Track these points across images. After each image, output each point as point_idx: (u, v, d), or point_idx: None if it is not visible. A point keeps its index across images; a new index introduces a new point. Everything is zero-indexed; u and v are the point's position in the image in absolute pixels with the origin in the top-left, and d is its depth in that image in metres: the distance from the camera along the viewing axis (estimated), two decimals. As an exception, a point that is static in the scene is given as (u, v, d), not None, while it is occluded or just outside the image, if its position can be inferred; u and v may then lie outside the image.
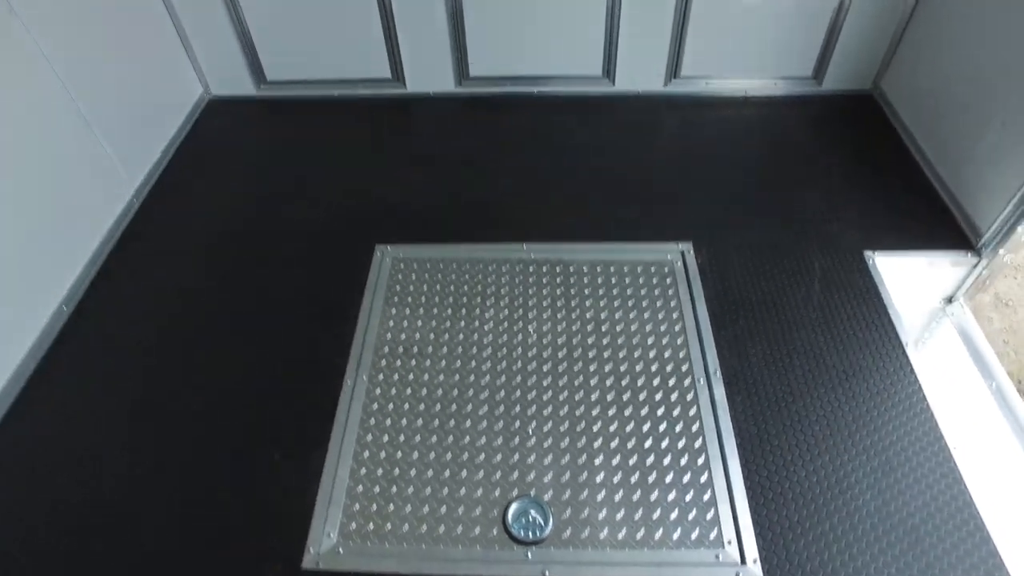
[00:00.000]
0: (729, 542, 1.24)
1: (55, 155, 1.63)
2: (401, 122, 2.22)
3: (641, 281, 1.68)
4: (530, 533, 1.25)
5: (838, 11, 2.03)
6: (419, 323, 1.58)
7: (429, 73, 2.23)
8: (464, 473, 1.33)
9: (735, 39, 2.13)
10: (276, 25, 2.13)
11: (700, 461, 1.34)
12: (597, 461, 1.34)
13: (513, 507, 1.28)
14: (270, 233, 1.83)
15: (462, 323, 1.57)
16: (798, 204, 1.87)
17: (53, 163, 1.62)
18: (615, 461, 1.34)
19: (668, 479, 1.32)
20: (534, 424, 1.40)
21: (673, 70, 2.21)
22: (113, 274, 1.75)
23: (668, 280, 1.68)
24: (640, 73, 2.22)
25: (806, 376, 1.48)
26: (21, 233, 1.52)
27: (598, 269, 1.70)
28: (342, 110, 2.28)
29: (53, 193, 1.62)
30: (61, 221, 1.65)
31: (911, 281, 1.72)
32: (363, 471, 1.33)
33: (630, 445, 1.36)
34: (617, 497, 1.30)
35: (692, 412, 1.42)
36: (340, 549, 1.24)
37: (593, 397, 1.44)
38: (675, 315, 1.59)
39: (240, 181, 2.03)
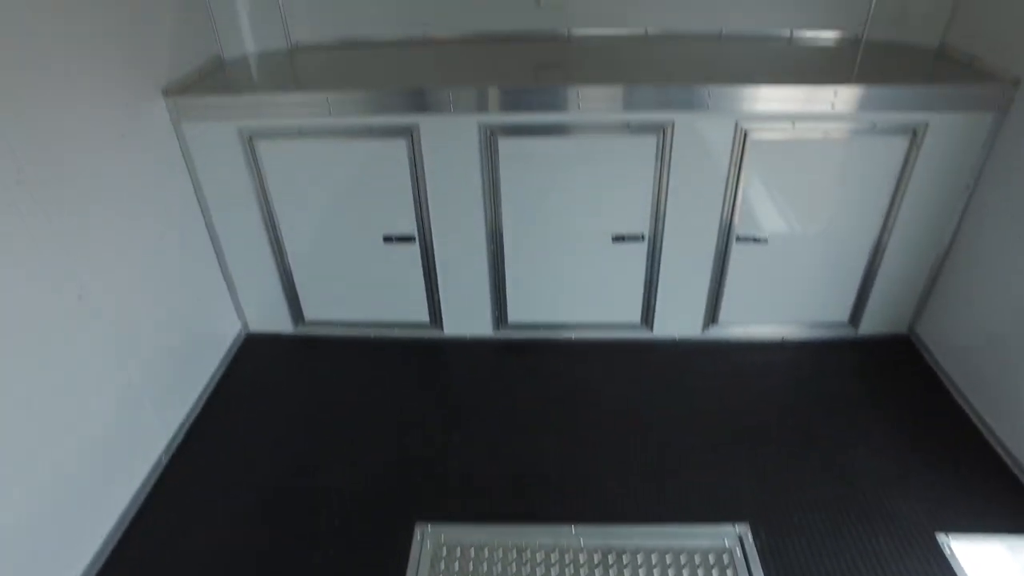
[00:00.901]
0: None
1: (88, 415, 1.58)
2: (438, 367, 2.21)
3: (700, 574, 1.55)
4: None
5: (872, 257, 2.07)
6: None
7: (467, 319, 2.25)
8: None
9: (772, 286, 2.16)
10: (318, 267, 2.19)
11: None
12: None
13: None
14: (303, 502, 1.74)
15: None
16: (850, 469, 1.78)
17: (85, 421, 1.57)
18: None
19: None
20: None
21: (711, 316, 2.22)
22: (130, 550, 1.63)
23: (729, 572, 1.55)
24: (678, 320, 2.23)
25: None
26: (39, 506, 1.43)
27: (653, 560, 1.57)
28: (378, 351, 2.27)
29: (77, 459, 1.55)
30: (86, 485, 1.57)
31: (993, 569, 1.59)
32: None
33: None
34: None
35: None
36: None
37: None
38: (743, 623, 1.45)
39: (273, 433, 1.97)
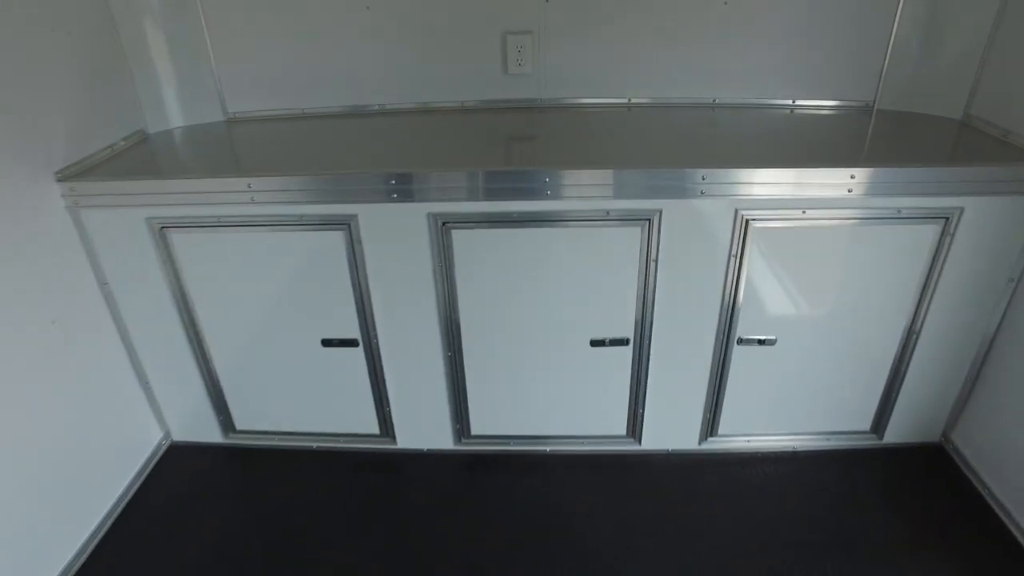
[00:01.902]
0: None
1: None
2: (389, 487, 1.86)
3: None
4: None
5: (899, 357, 1.76)
6: None
7: (423, 430, 1.92)
8: None
9: (781, 392, 1.83)
10: (248, 372, 1.86)
11: None
12: None
13: None
14: None
15: None
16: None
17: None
18: None
19: None
20: None
21: (709, 428, 1.89)
22: None
23: None
24: (671, 431, 1.90)
25: None
26: None
27: None
28: (321, 464, 1.93)
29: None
30: None
31: None
32: None
33: None
34: None
35: None
36: None
37: None
38: None
39: (191, 560, 1.62)
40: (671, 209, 1.55)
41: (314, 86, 2.02)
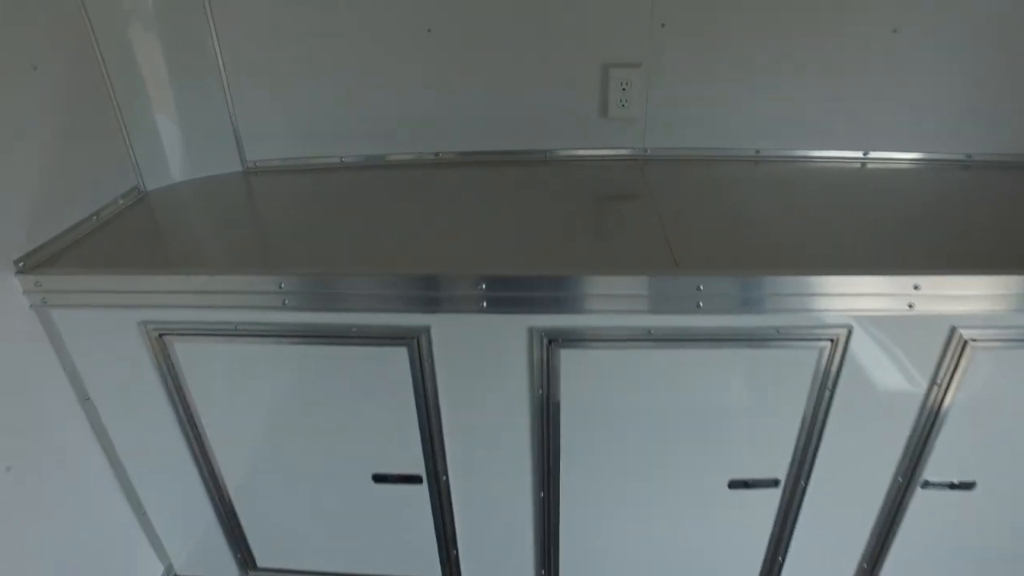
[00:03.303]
0: None
1: None
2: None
3: None
4: None
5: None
6: None
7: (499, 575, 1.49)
8: None
9: (971, 549, 1.42)
10: (276, 506, 1.44)
11: None
12: None
13: None
14: None
15: None
16: None
17: None
18: None
19: None
20: None
21: (864, 579, 1.46)
22: None
23: None
24: (816, 585, 1.47)
25: None
26: None
27: None
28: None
29: None
30: None
31: None
32: None
33: None
34: None
35: None
36: None
37: None
38: None
39: None
40: (865, 328, 1.12)
41: (355, 129, 1.59)
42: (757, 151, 1.59)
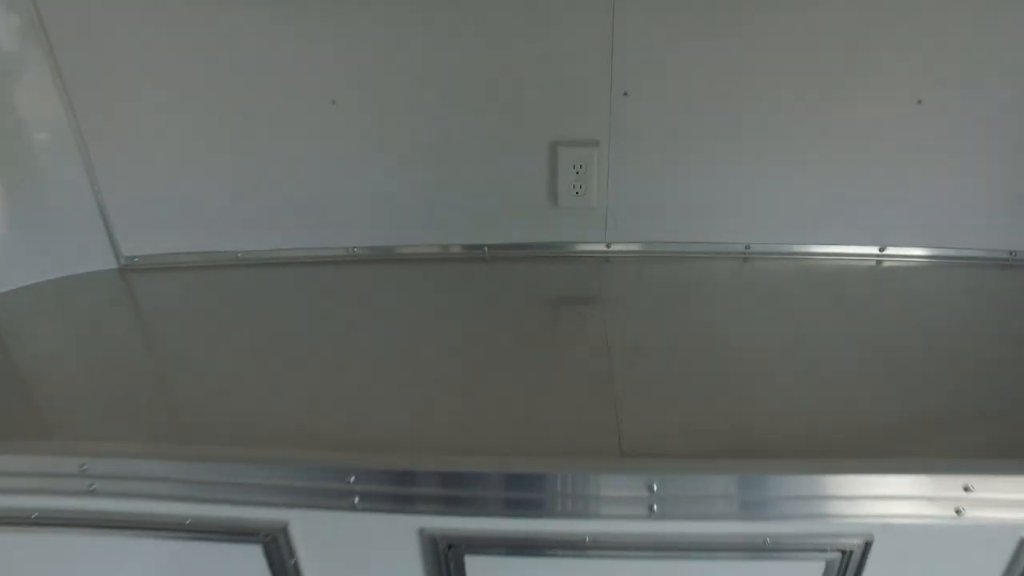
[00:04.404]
0: None
1: None
2: None
3: None
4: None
5: None
6: None
7: None
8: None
9: None
10: None
11: None
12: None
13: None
14: None
15: None
16: None
17: None
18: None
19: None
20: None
21: None
22: None
23: None
24: None
25: None
26: None
27: None
28: None
29: None
30: None
31: None
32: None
33: None
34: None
35: None
36: None
37: None
38: None
39: None
40: (891, 538, 0.79)
41: (254, 218, 1.30)
42: (746, 246, 1.28)
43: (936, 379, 0.95)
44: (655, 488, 0.75)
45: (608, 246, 1.30)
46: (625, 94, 1.17)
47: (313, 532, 0.84)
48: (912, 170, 1.21)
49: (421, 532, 0.81)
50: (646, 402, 0.88)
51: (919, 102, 1.15)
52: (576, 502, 0.77)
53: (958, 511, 0.77)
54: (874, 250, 1.27)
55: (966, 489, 0.75)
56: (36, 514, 0.87)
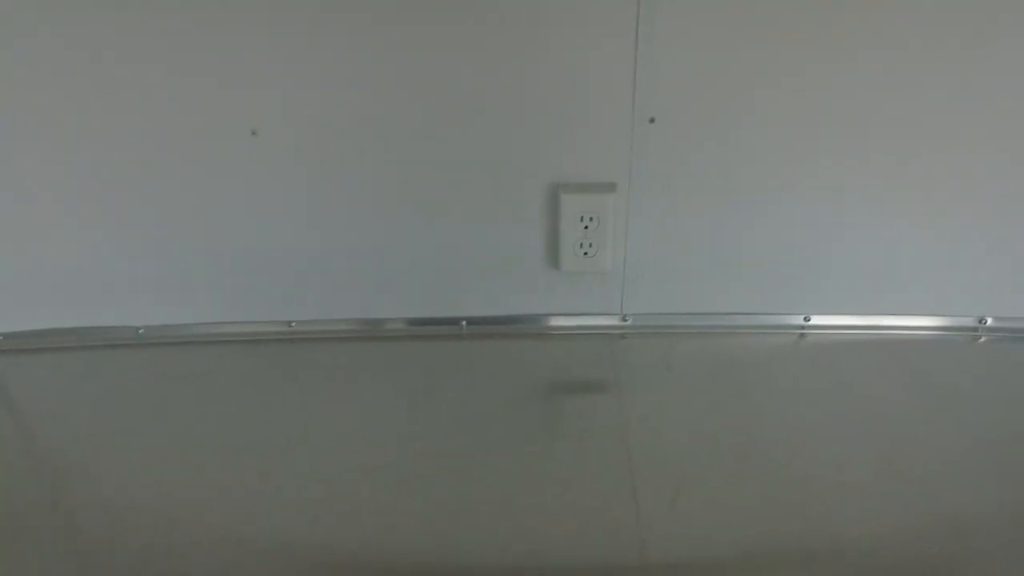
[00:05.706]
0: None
1: None
2: None
3: None
4: None
5: None
6: None
7: None
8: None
9: None
10: None
11: None
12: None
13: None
14: None
15: None
16: None
17: None
18: None
19: None
20: None
21: None
22: None
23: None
24: None
25: None
26: None
27: None
28: None
29: None
30: None
31: None
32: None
33: None
34: None
35: None
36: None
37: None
38: None
39: None
40: None
41: (166, 284, 0.98)
42: (806, 318, 0.98)
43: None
44: None
45: (625, 319, 0.99)
46: (651, 120, 0.86)
47: None
48: (1019, 229, 0.92)
49: None
50: (683, 541, 0.59)
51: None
52: None
53: None
54: (972, 321, 0.98)
55: None
56: None
